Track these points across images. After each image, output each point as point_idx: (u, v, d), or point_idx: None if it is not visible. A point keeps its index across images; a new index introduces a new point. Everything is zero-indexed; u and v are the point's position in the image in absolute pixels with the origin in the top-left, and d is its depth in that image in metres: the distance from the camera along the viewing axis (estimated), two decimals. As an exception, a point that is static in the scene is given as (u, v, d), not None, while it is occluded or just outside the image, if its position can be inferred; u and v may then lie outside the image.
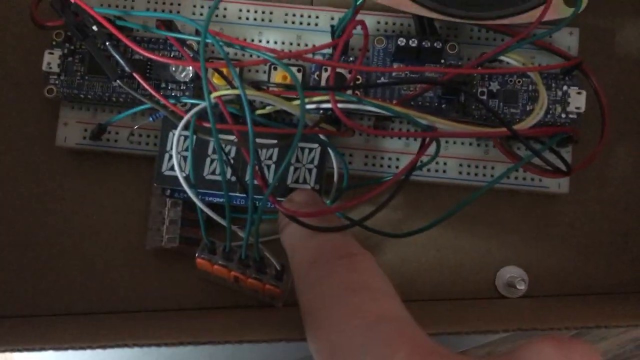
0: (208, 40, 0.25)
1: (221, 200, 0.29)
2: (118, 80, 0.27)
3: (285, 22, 0.31)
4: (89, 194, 0.32)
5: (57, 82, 0.30)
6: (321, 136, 0.28)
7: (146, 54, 0.26)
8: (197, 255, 0.29)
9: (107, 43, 0.27)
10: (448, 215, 0.25)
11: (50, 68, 0.30)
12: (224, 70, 0.27)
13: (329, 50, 0.31)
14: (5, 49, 0.33)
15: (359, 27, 0.28)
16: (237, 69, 0.27)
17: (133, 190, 0.32)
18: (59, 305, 0.31)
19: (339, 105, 0.25)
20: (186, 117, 0.25)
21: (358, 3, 0.27)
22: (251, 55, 0.28)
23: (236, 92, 0.25)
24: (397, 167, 0.31)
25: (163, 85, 0.30)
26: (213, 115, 0.24)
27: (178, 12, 0.31)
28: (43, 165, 0.32)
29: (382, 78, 0.30)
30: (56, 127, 0.31)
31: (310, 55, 0.28)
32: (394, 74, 0.29)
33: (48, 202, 0.32)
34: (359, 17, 0.27)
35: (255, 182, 0.25)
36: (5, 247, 0.32)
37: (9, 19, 0.33)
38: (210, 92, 0.25)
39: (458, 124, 0.25)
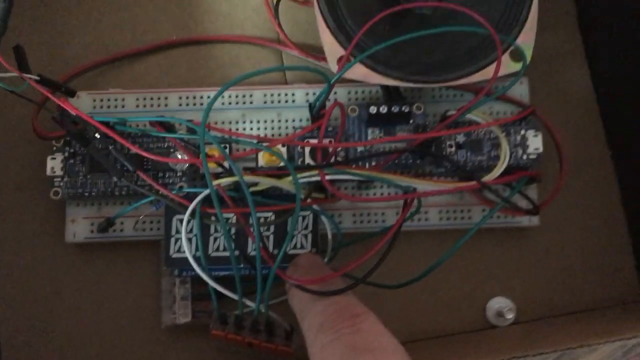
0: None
1: (227, 273, 0.32)
2: (122, 179, 0.30)
3: (265, 102, 0.34)
4: (101, 283, 0.34)
5: (61, 184, 0.32)
6: (312, 205, 0.31)
7: (155, 158, 0.28)
8: (211, 327, 0.31)
9: (111, 147, 0.29)
10: (442, 260, 0.28)
11: (54, 172, 0.32)
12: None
13: (303, 123, 0.34)
14: (7, 157, 0.35)
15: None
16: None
17: (142, 273, 0.34)
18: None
19: (327, 177, 0.28)
20: (192, 205, 0.28)
21: (332, 81, 0.30)
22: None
23: (235, 179, 0.28)
24: (383, 221, 0.34)
25: (160, 174, 0.33)
26: (218, 202, 0.26)
27: (166, 105, 0.34)
28: (55, 261, 0.34)
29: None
30: (64, 224, 0.33)
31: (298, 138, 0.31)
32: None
33: (62, 294, 0.34)
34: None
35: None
36: (24, 340, 0.33)
37: (7, 129, 0.35)
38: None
39: (434, 183, 0.28)
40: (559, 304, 0.35)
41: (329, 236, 0.32)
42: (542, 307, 0.35)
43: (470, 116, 0.31)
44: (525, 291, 0.35)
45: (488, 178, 0.28)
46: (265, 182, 0.29)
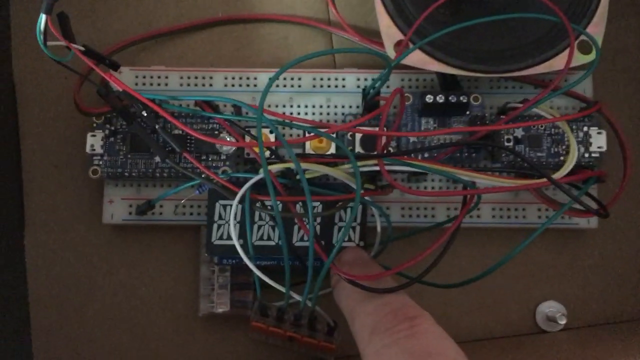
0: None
1: (269, 262, 0.30)
2: (167, 159, 0.28)
3: (314, 86, 0.33)
4: (136, 267, 0.33)
5: (100, 162, 0.31)
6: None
7: (207, 139, 0.27)
8: (251, 319, 0.30)
9: (157, 126, 0.28)
10: (505, 260, 0.26)
11: (94, 150, 0.31)
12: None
13: (353, 110, 0.32)
14: (45, 132, 0.33)
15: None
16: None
17: (179, 259, 0.33)
18: (114, 378, 0.32)
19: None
20: (242, 190, 0.26)
21: (392, 65, 0.28)
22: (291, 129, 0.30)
23: (288, 165, 0.26)
24: (433, 216, 0.32)
25: (204, 157, 0.31)
26: (273, 189, 0.25)
27: (211, 85, 0.33)
28: (90, 242, 0.33)
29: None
30: (101, 205, 0.32)
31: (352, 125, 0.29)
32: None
33: (96, 277, 0.33)
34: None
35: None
36: (58, 322, 0.32)
37: (46, 103, 0.34)
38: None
39: (497, 178, 0.26)
40: (611, 312, 0.33)
41: (378, 229, 0.30)
42: (594, 313, 0.33)
43: (536, 110, 0.30)
44: (577, 296, 0.33)
45: (557, 176, 0.26)
46: (316, 170, 0.27)
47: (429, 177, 0.32)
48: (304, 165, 0.27)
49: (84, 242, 0.33)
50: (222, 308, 0.31)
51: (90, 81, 0.29)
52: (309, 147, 0.31)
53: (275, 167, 0.27)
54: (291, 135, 0.32)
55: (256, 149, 0.27)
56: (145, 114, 0.28)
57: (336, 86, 0.33)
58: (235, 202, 0.27)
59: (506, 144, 0.31)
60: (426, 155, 0.31)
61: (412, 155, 0.28)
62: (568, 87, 0.29)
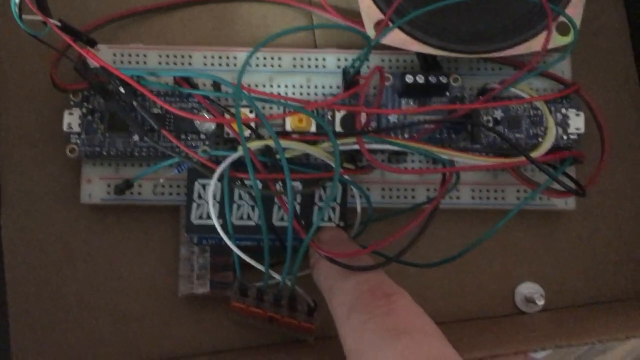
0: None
1: (248, 242, 0.30)
2: (146, 137, 0.28)
3: (294, 66, 0.33)
4: (115, 248, 0.32)
5: (78, 141, 0.31)
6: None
7: (186, 116, 0.27)
8: (231, 299, 0.30)
9: (134, 103, 0.28)
10: (481, 240, 0.26)
11: (71, 128, 0.30)
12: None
13: (334, 90, 0.32)
14: (21, 109, 0.33)
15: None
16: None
17: (158, 240, 0.33)
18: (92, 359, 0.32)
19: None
20: (221, 168, 0.26)
21: (372, 44, 0.28)
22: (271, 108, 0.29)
23: (268, 142, 0.26)
24: (413, 197, 0.32)
25: (183, 136, 0.31)
26: (252, 166, 0.25)
27: (190, 64, 0.32)
28: (68, 223, 0.32)
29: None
30: (79, 184, 0.31)
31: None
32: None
33: (75, 258, 0.32)
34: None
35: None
36: (36, 304, 0.32)
37: (22, 79, 0.33)
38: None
39: (477, 157, 0.26)
40: (589, 293, 0.34)
41: (358, 209, 0.30)
42: (572, 294, 0.33)
43: (514, 90, 0.30)
44: (556, 277, 0.33)
45: (535, 154, 0.26)
46: (296, 148, 0.27)
47: (409, 157, 0.32)
48: (283, 143, 0.27)
49: (61, 222, 0.32)
50: (201, 289, 0.31)
51: (67, 57, 0.29)
52: (289, 126, 0.30)
53: (254, 145, 0.26)
54: (272, 115, 0.32)
55: (235, 126, 0.27)
56: (123, 91, 0.28)
57: (316, 66, 0.33)
58: (213, 179, 0.27)
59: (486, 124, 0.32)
60: (406, 135, 0.31)
61: (392, 134, 0.28)
62: (544, 67, 0.29)
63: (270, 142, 0.26)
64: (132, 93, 0.28)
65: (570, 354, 0.30)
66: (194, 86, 0.30)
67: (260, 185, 0.28)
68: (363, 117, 0.29)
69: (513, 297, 0.33)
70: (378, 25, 0.30)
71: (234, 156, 0.26)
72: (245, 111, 0.30)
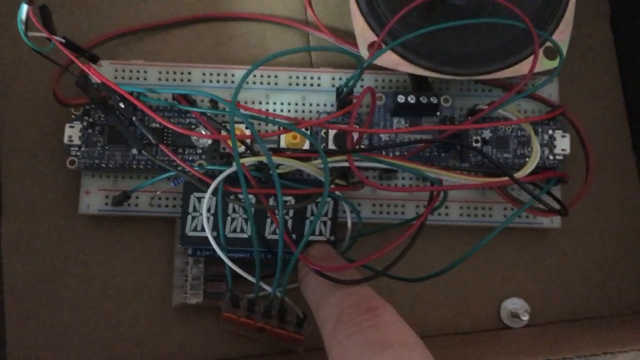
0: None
1: (241, 255, 0.31)
2: (144, 151, 0.29)
3: (290, 84, 0.34)
4: (111, 257, 0.33)
5: (78, 153, 0.32)
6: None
7: (182, 131, 0.27)
8: (222, 310, 0.31)
9: (134, 118, 0.29)
10: (467, 256, 0.27)
11: (72, 141, 0.31)
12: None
13: (328, 108, 0.33)
14: (24, 122, 0.34)
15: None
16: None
17: (154, 250, 0.33)
18: (86, 367, 0.33)
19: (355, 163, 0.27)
20: (215, 182, 0.27)
21: (364, 65, 0.29)
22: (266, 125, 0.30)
23: (259, 158, 0.27)
24: (402, 213, 0.33)
25: (180, 150, 0.32)
26: (245, 181, 0.25)
27: (189, 80, 0.33)
28: (66, 232, 0.33)
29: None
30: (78, 195, 0.32)
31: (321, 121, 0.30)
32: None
33: (72, 267, 0.33)
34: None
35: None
36: (32, 312, 0.33)
37: (25, 93, 0.34)
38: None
39: (463, 176, 0.27)
40: (573, 309, 0.34)
41: (349, 224, 0.31)
42: (557, 310, 0.34)
43: (501, 111, 0.31)
44: (541, 293, 0.34)
45: (519, 174, 0.27)
46: (289, 164, 0.28)
47: (399, 175, 0.33)
48: (276, 160, 0.28)
49: (59, 231, 0.33)
50: (195, 299, 0.32)
51: (70, 72, 0.30)
52: (283, 142, 0.31)
53: (248, 160, 0.27)
54: (267, 131, 0.33)
55: (229, 142, 0.28)
56: (123, 106, 0.29)
57: (312, 85, 0.34)
58: (208, 193, 0.27)
59: (474, 144, 0.33)
60: (397, 153, 0.32)
61: (383, 152, 0.29)
62: (531, 90, 0.30)
63: (263, 159, 0.26)
64: (132, 108, 0.29)
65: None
66: (193, 102, 0.31)
67: (253, 200, 0.29)
68: (355, 135, 0.30)
69: (498, 312, 0.34)
70: (371, 46, 0.31)
71: (228, 171, 0.27)
72: (241, 127, 0.31)
